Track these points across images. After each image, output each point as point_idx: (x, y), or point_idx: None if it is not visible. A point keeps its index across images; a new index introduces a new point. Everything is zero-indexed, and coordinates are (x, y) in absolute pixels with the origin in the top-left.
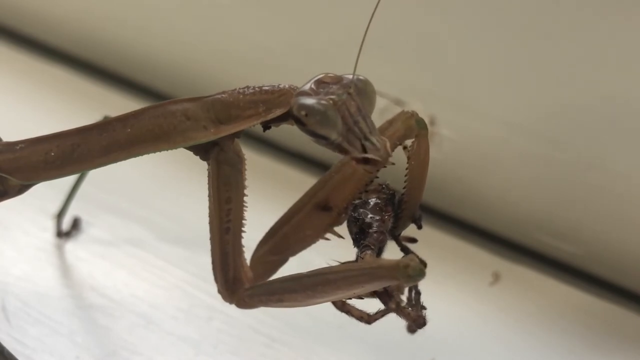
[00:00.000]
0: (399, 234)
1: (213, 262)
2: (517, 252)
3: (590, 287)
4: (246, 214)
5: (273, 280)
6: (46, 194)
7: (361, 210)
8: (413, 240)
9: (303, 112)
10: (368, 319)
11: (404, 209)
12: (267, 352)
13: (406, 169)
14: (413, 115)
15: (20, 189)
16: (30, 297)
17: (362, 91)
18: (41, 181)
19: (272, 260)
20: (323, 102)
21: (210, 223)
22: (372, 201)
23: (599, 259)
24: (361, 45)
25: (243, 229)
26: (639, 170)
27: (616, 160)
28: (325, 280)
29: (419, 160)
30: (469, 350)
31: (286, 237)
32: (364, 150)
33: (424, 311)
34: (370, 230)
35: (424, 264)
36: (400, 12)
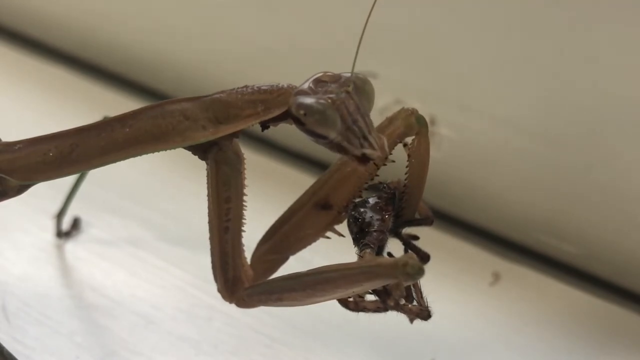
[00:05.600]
0: (401, 232)
1: (213, 262)
2: (517, 252)
3: (590, 287)
4: (246, 214)
5: (272, 279)
6: (46, 194)
7: (361, 209)
8: (414, 238)
9: (302, 112)
10: (385, 306)
11: (405, 207)
12: (267, 352)
13: (406, 166)
14: (413, 112)
15: (20, 189)
16: (30, 297)
17: (360, 89)
18: (40, 181)
19: (273, 259)
20: (322, 101)
21: (210, 223)
22: (372, 200)
23: (599, 259)
24: (359, 44)
25: (243, 228)
26: (639, 170)
27: (616, 160)
28: (325, 279)
29: (419, 158)
30: (469, 350)
31: (286, 235)
32: (362, 149)
33: (427, 303)
34: (371, 230)
35: (427, 257)
36: (400, 11)
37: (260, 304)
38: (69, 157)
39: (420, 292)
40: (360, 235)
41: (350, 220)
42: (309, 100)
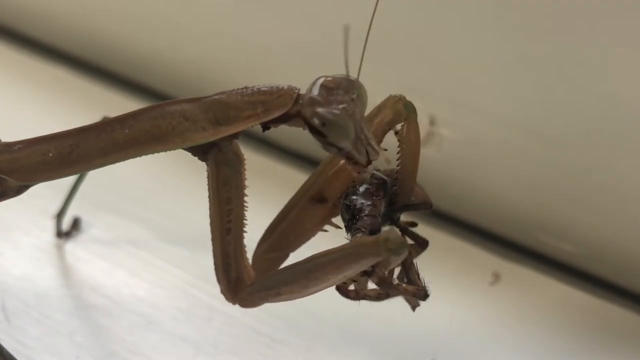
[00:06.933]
0: (398, 218)
1: (215, 264)
2: (517, 252)
3: (590, 287)
4: (247, 214)
5: (267, 275)
6: (46, 194)
7: (352, 197)
8: (413, 224)
9: (321, 123)
10: (386, 292)
11: (399, 193)
12: (267, 352)
13: (398, 152)
14: (401, 99)
15: (19, 190)
16: (30, 297)
17: (358, 95)
18: (40, 182)
19: (273, 257)
20: (340, 113)
21: (211, 224)
22: (363, 187)
23: (599, 259)
24: (364, 48)
25: (244, 229)
26: (639, 170)
27: (616, 159)
28: (315, 266)
29: (410, 144)
30: (469, 350)
31: (285, 233)
32: (368, 156)
33: (424, 283)
34: (362, 215)
35: (425, 243)
36: (400, 11)
37: (262, 301)
38: (69, 158)
39: (417, 272)
40: (352, 221)
41: (342, 208)
42: (328, 112)
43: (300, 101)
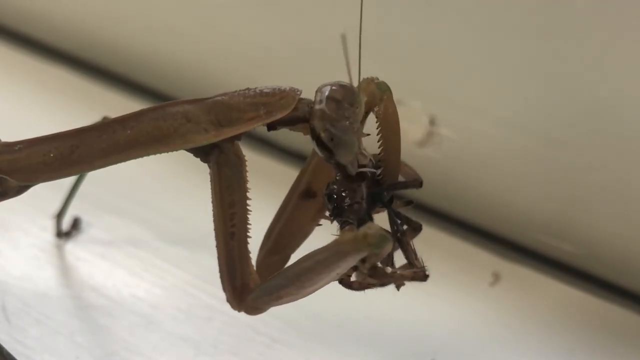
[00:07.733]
0: (390, 200)
1: (220, 271)
2: (517, 252)
3: (590, 287)
4: (250, 218)
5: (266, 280)
6: (46, 194)
7: (333, 186)
8: (409, 203)
9: (330, 139)
10: (388, 277)
11: (385, 174)
12: (267, 352)
13: (378, 134)
14: (372, 80)
15: (19, 190)
16: (30, 297)
17: (359, 105)
18: (40, 182)
19: (274, 260)
20: (349, 132)
21: (215, 229)
22: (342, 174)
23: (599, 259)
24: (359, 50)
25: (248, 233)
26: (639, 170)
27: (616, 160)
28: (305, 268)
29: (388, 122)
30: (469, 350)
31: (281, 234)
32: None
33: (423, 263)
34: (343, 204)
35: (419, 227)
36: (399, 11)
37: (266, 306)
38: (69, 158)
39: (415, 253)
40: (337, 211)
41: (325, 199)
42: (338, 130)
43: (307, 108)
